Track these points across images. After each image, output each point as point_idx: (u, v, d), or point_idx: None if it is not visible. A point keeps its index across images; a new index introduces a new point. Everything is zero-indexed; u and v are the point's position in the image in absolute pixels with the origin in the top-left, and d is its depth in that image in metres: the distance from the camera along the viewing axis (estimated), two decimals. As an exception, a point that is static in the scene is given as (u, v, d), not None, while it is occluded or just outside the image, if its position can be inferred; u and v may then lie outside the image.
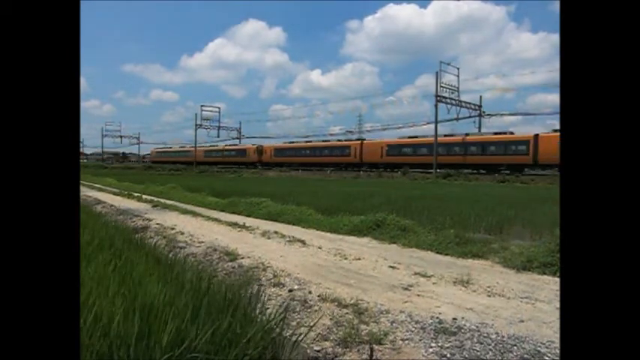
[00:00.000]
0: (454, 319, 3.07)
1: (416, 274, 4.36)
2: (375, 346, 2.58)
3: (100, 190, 18.43)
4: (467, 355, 2.50)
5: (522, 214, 8.34)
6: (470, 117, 40.29)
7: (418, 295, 3.66)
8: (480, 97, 43.18)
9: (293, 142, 56.00)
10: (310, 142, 53.85)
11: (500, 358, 2.49)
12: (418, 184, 25.00)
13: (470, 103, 40.32)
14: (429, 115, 67.32)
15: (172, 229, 7.46)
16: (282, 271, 4.46)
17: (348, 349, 2.57)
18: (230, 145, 64.04)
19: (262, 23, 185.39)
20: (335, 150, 48.49)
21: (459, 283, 4.00)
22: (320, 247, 5.77)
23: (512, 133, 36.04)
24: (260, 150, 57.73)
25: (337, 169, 44.16)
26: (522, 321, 3.06)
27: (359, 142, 46.84)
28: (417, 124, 44.94)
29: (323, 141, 52.53)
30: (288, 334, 2.32)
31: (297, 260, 5.01)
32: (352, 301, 3.41)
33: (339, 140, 51.14)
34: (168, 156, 74.38)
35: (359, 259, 5.10)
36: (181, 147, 73.59)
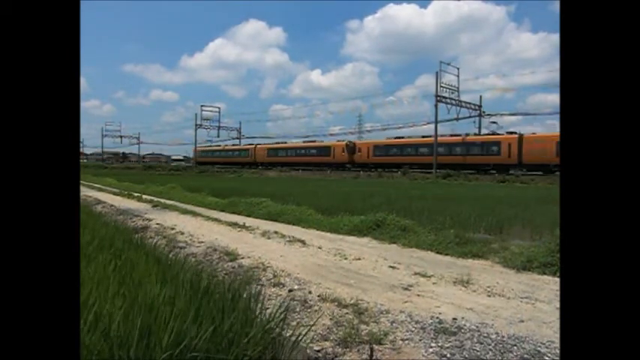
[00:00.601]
0: (454, 319, 3.07)
1: (416, 274, 4.36)
2: (375, 346, 2.58)
3: (100, 190, 18.43)
4: (467, 355, 2.50)
5: (522, 214, 8.34)
6: (470, 117, 40.37)
7: (418, 295, 3.66)
8: (480, 97, 43.22)
9: (400, 138, 42.61)
10: (429, 137, 38.91)
11: (500, 358, 2.49)
12: (418, 184, 25.00)
13: (470, 103, 40.37)
14: (429, 115, 67.18)
15: (172, 229, 7.46)
16: (282, 271, 4.46)
17: (348, 349, 2.57)
18: (308, 142, 53.20)
19: (262, 23, 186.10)
20: (474, 147, 35.69)
21: (459, 283, 4.00)
22: (320, 247, 5.77)
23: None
24: (351, 148, 45.62)
25: (474, 172, 31.89)
26: (522, 321, 3.06)
27: (513, 136, 33.76)
28: (417, 124, 44.91)
29: (451, 135, 38.66)
30: (288, 334, 2.32)
31: (297, 260, 5.01)
32: (352, 301, 3.41)
33: (475, 134, 37.88)
34: (218, 156, 62.50)
35: (359, 259, 5.10)
36: (235, 145, 62.74)
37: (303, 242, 6.10)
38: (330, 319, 3.06)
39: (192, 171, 51.28)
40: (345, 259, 5.11)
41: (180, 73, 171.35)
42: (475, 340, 2.71)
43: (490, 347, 2.61)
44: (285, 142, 55.97)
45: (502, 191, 16.94)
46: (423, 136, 40.53)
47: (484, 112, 41.33)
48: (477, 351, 2.56)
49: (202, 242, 6.20)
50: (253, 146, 57.90)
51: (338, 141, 48.32)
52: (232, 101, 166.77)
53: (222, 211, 10.11)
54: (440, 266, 4.73)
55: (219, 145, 64.57)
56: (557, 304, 3.28)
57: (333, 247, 5.76)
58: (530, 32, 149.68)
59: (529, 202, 10.92)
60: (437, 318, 3.08)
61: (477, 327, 2.92)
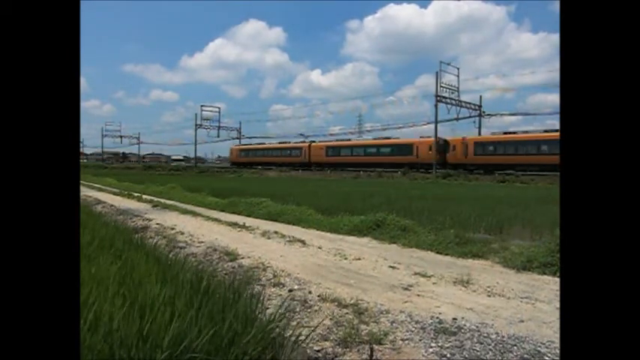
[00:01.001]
0: (454, 319, 3.07)
1: (416, 274, 4.36)
2: (375, 346, 2.58)
3: (100, 190, 18.42)
4: (467, 355, 2.50)
5: (522, 214, 8.34)
6: (470, 117, 40.39)
7: (418, 295, 3.66)
8: (480, 97, 43.11)
9: (511, 133, 34.20)
10: (553, 131, 29.91)
11: (500, 358, 2.49)
12: (418, 184, 25.00)
13: (470, 103, 40.39)
14: (429, 115, 66.88)
15: (172, 229, 7.46)
16: (282, 271, 4.46)
17: (348, 349, 2.57)
18: (381, 139, 42.94)
19: (262, 23, 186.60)
20: None
21: (459, 283, 4.00)
22: (320, 247, 5.77)
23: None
24: (443, 145, 36.59)
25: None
26: (522, 321, 3.06)
27: None
28: (417, 124, 44.83)
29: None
30: (288, 334, 2.32)
31: (297, 260, 5.01)
32: (352, 301, 3.41)
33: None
34: (262, 155, 54.00)
35: (359, 259, 5.10)
36: (282, 142, 54.48)
37: (303, 242, 6.10)
38: (330, 319, 3.06)
39: (192, 171, 51.04)
40: (345, 259, 5.11)
41: (180, 73, 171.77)
42: (475, 340, 2.71)
43: (490, 347, 2.61)
44: (350, 140, 46.85)
45: (502, 191, 16.94)
46: (546, 131, 31.90)
47: (484, 112, 41.38)
48: (477, 351, 2.56)
49: (202, 242, 6.20)
50: (307, 144, 49.58)
51: (422, 137, 39.05)
52: (232, 101, 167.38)
53: (222, 211, 10.10)
54: (440, 266, 4.73)
55: (263, 144, 56.96)
56: (557, 304, 3.28)
57: (333, 247, 5.76)
58: (530, 32, 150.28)
59: (529, 202, 10.92)
60: (437, 318, 3.08)
61: (477, 327, 2.92)
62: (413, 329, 2.89)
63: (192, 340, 1.83)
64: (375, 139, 44.59)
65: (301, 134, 53.72)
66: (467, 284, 3.97)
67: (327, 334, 2.79)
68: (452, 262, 4.95)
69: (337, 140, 49.22)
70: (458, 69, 38.97)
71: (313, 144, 49.15)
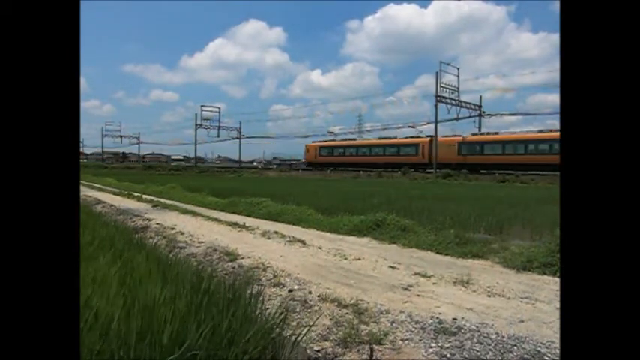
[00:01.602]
0: (454, 319, 3.07)
1: (416, 274, 4.36)
2: (375, 346, 2.58)
3: (100, 190, 18.43)
4: (467, 355, 2.50)
5: (522, 214, 8.34)
6: (470, 117, 40.46)
7: (418, 295, 3.66)
8: (480, 97, 43.12)
9: None
10: None
11: (500, 358, 2.49)
12: (418, 184, 25.00)
13: (470, 103, 40.44)
14: (429, 115, 66.75)
15: (172, 229, 7.46)
16: (282, 271, 4.46)
17: (348, 349, 2.57)
18: (538, 133, 31.45)
19: (262, 23, 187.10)
20: None
21: (459, 283, 4.00)
22: (320, 247, 5.77)
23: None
24: None
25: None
26: (522, 321, 3.06)
27: None
28: (417, 124, 44.74)
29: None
30: (288, 333, 2.32)
31: (297, 260, 5.01)
32: (352, 301, 3.41)
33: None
34: (353, 154, 43.91)
35: (359, 259, 5.10)
36: (384, 138, 43.22)
37: (303, 242, 6.10)
38: (330, 319, 3.06)
39: (192, 171, 51.06)
40: (345, 259, 5.11)
41: (180, 73, 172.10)
42: (475, 340, 2.71)
43: (490, 347, 2.61)
44: (496, 134, 33.83)
45: (502, 191, 16.94)
46: None
47: (484, 112, 41.41)
48: (477, 351, 2.56)
49: (202, 242, 6.20)
50: (426, 140, 38.66)
51: None
52: (232, 101, 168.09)
53: (222, 211, 10.11)
54: (440, 266, 4.73)
55: (354, 140, 46.37)
56: (557, 304, 3.28)
57: (333, 247, 5.76)
58: (530, 32, 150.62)
59: (529, 202, 10.92)
60: (437, 318, 3.08)
61: (477, 327, 2.92)
62: (413, 329, 2.89)
63: (193, 340, 1.83)
64: (539, 132, 31.88)
65: (410, 127, 41.82)
66: (467, 284, 3.97)
67: (327, 334, 2.79)
68: (452, 262, 4.95)
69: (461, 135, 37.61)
70: (458, 69, 39.07)
71: (443, 140, 37.48)
